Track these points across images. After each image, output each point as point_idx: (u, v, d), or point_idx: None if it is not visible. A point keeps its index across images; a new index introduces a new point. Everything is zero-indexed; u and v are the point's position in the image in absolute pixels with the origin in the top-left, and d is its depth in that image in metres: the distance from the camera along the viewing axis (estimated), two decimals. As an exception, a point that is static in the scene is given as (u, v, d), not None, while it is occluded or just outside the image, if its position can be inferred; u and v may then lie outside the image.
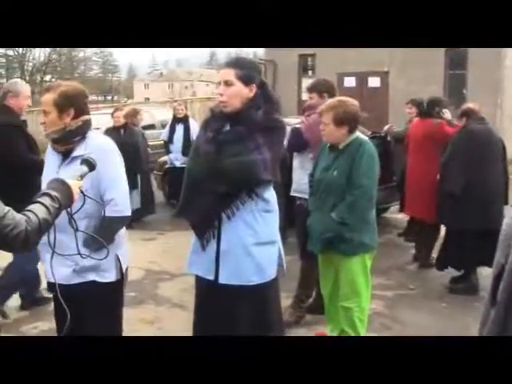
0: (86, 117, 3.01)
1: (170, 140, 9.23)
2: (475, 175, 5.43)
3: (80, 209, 2.63)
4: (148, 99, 48.47)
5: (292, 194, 4.99)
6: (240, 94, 2.96)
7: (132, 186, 7.20)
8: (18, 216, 2.07)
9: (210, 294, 3.07)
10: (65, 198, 2.30)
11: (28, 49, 50.34)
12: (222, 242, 3.01)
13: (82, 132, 2.98)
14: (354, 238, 3.79)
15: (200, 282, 3.14)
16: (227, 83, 2.95)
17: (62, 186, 2.34)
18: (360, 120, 3.91)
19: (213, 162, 2.95)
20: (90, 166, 2.60)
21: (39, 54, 51.24)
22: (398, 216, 8.47)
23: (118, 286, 3.09)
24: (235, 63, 3.02)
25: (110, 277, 3.02)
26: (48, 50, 50.23)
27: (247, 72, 2.98)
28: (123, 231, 3.16)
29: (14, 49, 51.21)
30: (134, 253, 6.71)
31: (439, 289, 5.71)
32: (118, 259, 3.06)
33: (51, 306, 4.96)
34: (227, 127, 3.03)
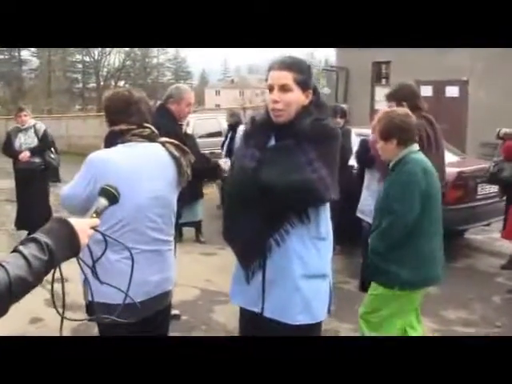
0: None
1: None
2: None
3: (102, 255, 1.99)
4: (219, 106, 48.72)
5: (357, 214, 4.68)
6: (297, 101, 2.56)
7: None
8: None
9: (254, 327, 2.72)
10: (63, 245, 1.65)
11: (103, 55, 51.80)
12: (268, 270, 2.63)
13: None
14: (390, 270, 3.31)
15: (244, 313, 2.80)
16: (284, 88, 2.54)
17: (63, 228, 1.67)
18: (413, 131, 3.37)
19: (256, 180, 2.52)
20: (111, 197, 1.97)
21: (114, 60, 52.51)
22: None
23: None
24: (293, 66, 2.57)
25: None
26: (123, 56, 51.43)
27: (306, 76, 2.58)
28: None
29: (90, 55, 52.87)
30: (192, 269, 6.39)
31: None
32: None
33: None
34: (272, 141, 2.62)
